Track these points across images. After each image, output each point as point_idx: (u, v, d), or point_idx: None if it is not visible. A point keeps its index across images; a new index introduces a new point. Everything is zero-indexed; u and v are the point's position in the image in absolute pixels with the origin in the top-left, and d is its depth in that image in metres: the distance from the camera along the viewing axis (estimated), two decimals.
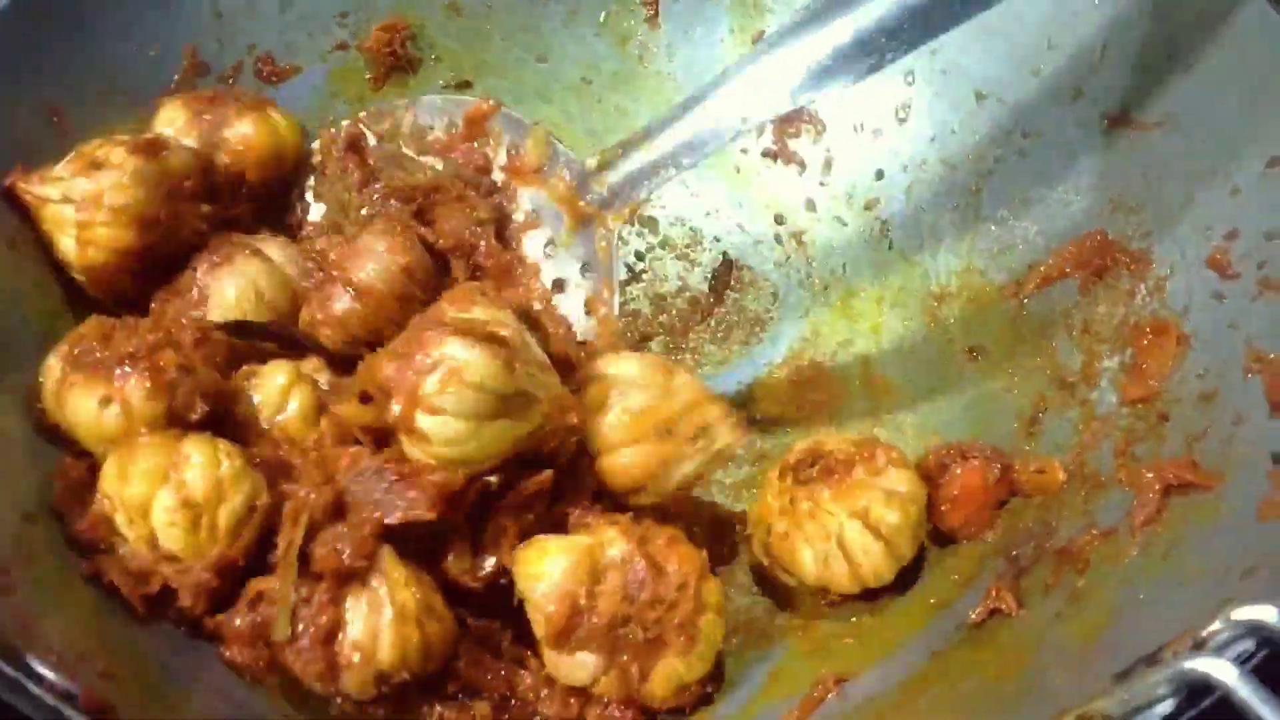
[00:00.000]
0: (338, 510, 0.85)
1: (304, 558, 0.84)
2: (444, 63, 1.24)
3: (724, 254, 1.22)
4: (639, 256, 1.23)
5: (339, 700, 0.85)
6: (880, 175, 1.19)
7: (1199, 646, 0.64)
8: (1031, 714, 0.76)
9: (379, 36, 1.21)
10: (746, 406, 1.14)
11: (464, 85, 1.25)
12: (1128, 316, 0.99)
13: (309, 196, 1.12)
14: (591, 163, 1.08)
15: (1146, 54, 1.00)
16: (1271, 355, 0.84)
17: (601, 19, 1.25)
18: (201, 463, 0.85)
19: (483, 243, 1.07)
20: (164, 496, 0.83)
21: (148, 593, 0.85)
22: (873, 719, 0.87)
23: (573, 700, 0.89)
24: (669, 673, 0.87)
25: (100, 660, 0.78)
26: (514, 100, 1.24)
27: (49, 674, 0.71)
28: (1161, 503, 0.86)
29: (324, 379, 0.98)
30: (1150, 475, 0.87)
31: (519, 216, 1.11)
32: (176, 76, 1.12)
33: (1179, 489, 0.85)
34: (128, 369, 0.88)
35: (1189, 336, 0.93)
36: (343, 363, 0.98)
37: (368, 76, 1.22)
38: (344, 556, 0.83)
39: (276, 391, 0.95)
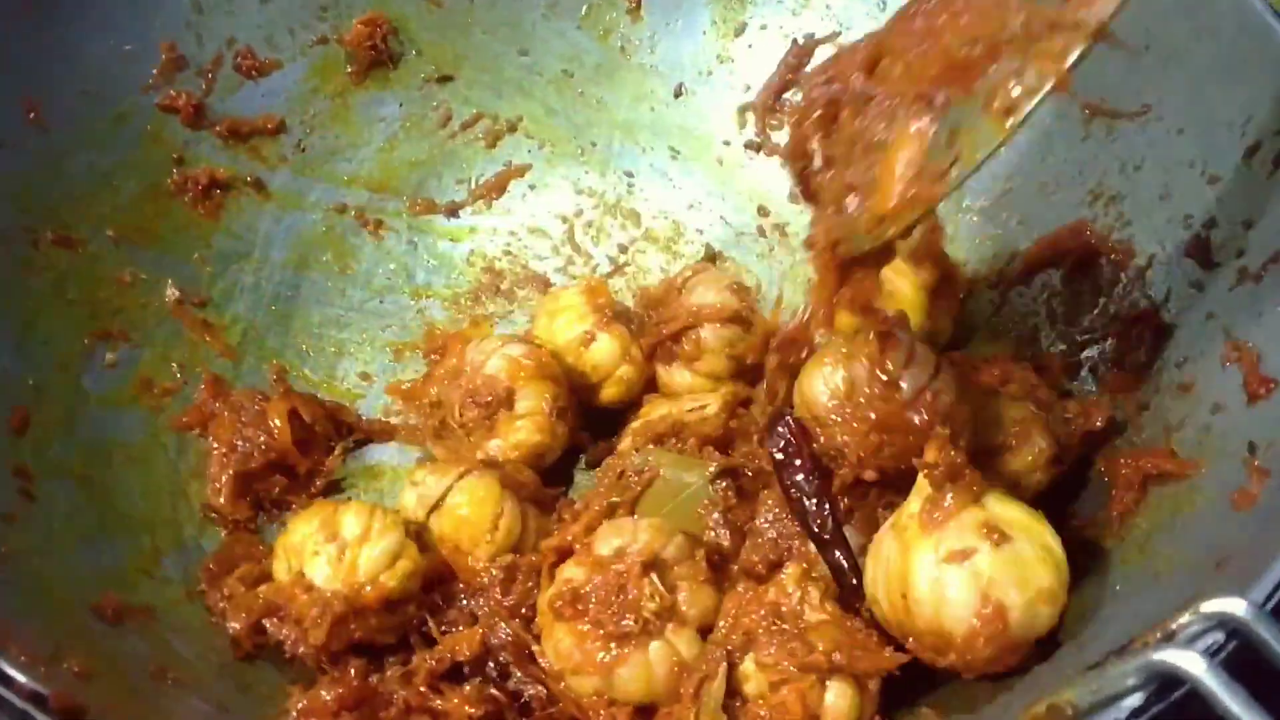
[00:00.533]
0: None
1: None
2: (425, 56, 1.24)
3: (707, 246, 1.22)
4: (622, 249, 1.23)
5: None
6: None
7: (1169, 638, 0.64)
8: (1009, 703, 0.77)
9: (359, 30, 1.21)
10: None
11: (445, 79, 1.25)
12: (1108, 306, 0.99)
13: None
14: None
15: (1125, 44, 1.00)
16: (1249, 345, 0.84)
17: (583, 12, 1.25)
18: (356, 512, 0.91)
19: None
20: (317, 534, 0.90)
21: (276, 615, 0.88)
22: None
23: None
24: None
25: (75, 661, 0.78)
26: (495, 95, 1.24)
27: (19, 676, 0.71)
28: (1139, 494, 0.86)
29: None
30: (1129, 466, 0.87)
31: None
32: (154, 71, 1.12)
33: (1156, 479, 0.85)
34: None
35: (1169, 326, 0.93)
36: None
37: (348, 70, 1.22)
38: None
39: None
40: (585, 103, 1.25)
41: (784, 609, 0.84)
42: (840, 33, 1.19)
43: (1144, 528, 0.83)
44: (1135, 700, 0.63)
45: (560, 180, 1.25)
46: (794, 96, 1.22)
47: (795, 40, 1.21)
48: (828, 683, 0.80)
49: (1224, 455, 0.81)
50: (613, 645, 0.84)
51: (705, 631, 0.86)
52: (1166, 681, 0.62)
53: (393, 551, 0.90)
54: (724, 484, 0.93)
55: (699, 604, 0.86)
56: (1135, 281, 0.97)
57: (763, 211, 1.22)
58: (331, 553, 0.89)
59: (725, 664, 0.82)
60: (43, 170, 1.05)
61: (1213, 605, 0.63)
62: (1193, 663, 0.60)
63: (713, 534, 0.91)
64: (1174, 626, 0.64)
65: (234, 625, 0.90)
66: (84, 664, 0.78)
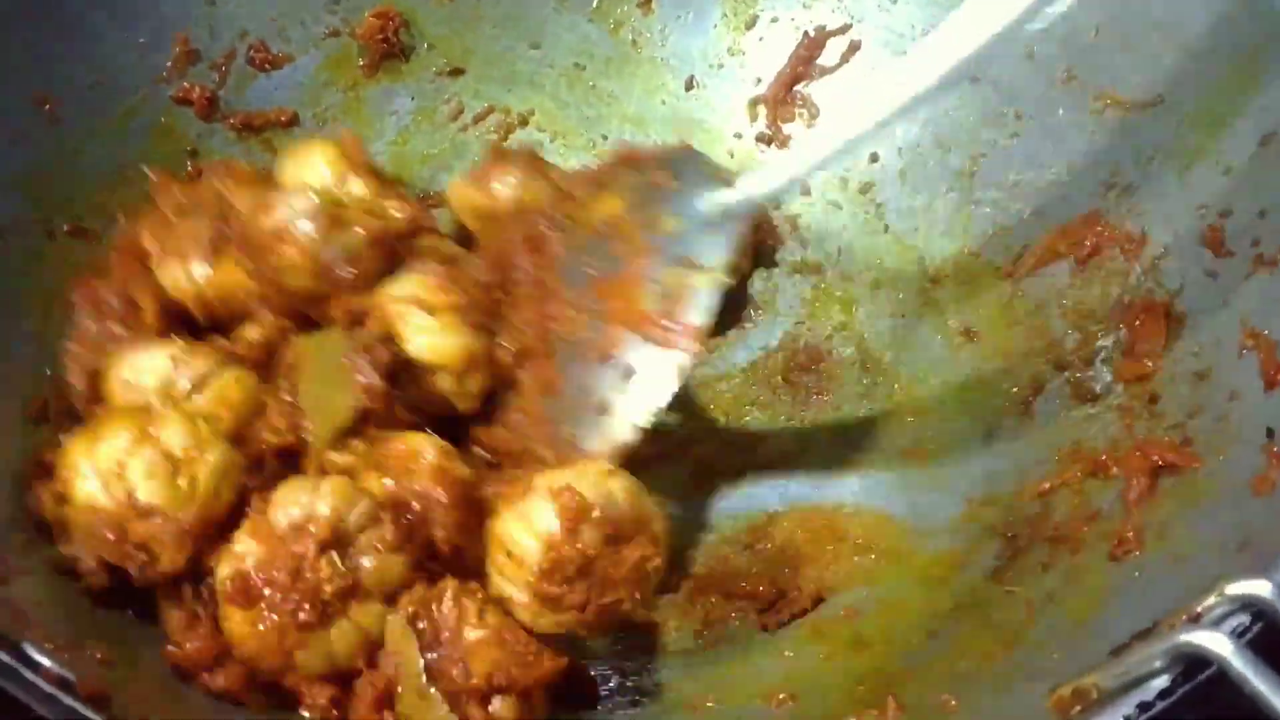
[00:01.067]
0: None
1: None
2: (436, 50, 1.24)
3: None
4: None
5: None
6: (874, 158, 1.19)
7: (1194, 620, 0.64)
8: (1028, 690, 0.77)
9: (371, 24, 1.21)
10: (741, 390, 1.15)
11: (457, 72, 1.25)
12: (1122, 296, 0.99)
13: None
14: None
15: (1137, 34, 1.00)
16: (1265, 332, 0.84)
17: (594, 5, 1.25)
18: (179, 422, 0.85)
19: None
20: (142, 452, 0.83)
21: (122, 552, 0.82)
22: None
23: None
24: None
25: (98, 648, 0.78)
26: (506, 88, 1.25)
27: (46, 661, 0.71)
28: (1154, 482, 0.86)
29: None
30: (1143, 455, 0.87)
31: None
32: (168, 64, 1.12)
33: (1171, 468, 0.85)
34: None
35: (1183, 315, 0.93)
36: None
37: (360, 64, 1.22)
38: None
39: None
40: (597, 96, 1.26)
41: (443, 635, 0.82)
42: (851, 25, 1.20)
43: (1162, 514, 0.83)
44: (1162, 682, 0.63)
45: None
46: (806, 88, 1.23)
47: (806, 33, 1.22)
48: (491, 699, 0.80)
49: (1241, 441, 0.81)
50: (289, 634, 0.80)
51: (395, 598, 0.84)
52: (1193, 663, 0.62)
53: (228, 455, 0.86)
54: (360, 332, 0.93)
55: (384, 575, 0.83)
56: (1150, 271, 0.97)
57: (773, 204, 1.23)
58: (163, 473, 0.83)
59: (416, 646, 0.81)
60: (57, 162, 1.05)
61: (1238, 587, 0.63)
62: (1219, 644, 0.61)
63: (363, 379, 0.89)
64: (1199, 609, 0.64)
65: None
66: (106, 652, 0.78)
